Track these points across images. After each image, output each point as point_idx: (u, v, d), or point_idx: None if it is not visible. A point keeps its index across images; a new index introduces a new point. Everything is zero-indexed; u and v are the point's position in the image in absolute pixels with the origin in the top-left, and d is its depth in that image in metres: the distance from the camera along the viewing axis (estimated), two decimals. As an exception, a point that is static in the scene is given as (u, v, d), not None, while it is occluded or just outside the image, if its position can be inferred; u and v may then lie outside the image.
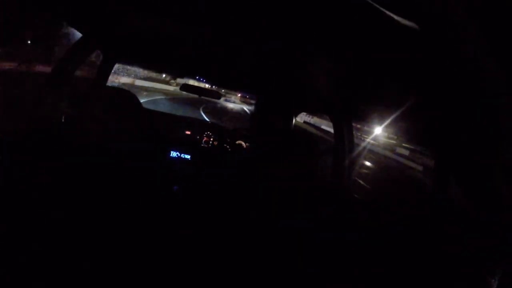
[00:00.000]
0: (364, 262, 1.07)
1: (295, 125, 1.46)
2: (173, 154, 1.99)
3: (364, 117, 1.51)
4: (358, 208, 1.43)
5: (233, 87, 2.13)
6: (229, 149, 2.09)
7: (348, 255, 1.10)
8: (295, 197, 0.94)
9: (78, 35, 1.23)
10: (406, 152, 14.16)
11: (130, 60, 1.72)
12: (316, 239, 0.95)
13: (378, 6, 0.44)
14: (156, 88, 16.26)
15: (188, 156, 2.02)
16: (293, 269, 0.89)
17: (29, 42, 5.86)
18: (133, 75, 14.89)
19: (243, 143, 2.14)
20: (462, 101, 0.67)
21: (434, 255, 1.00)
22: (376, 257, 1.10)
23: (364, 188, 5.76)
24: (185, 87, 2.10)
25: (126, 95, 0.80)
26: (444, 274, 0.93)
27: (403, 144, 15.03)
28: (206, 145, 2.08)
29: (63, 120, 1.36)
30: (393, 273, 1.05)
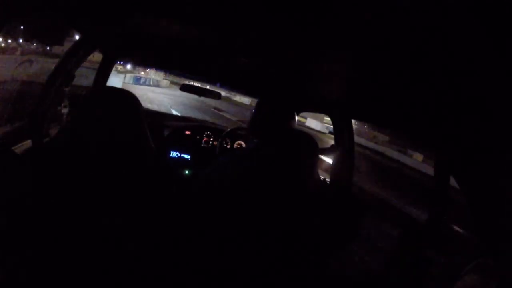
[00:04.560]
0: (364, 261, 1.07)
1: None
2: (173, 154, 1.99)
3: (364, 116, 1.51)
4: (359, 208, 1.43)
5: (235, 88, 2.14)
6: (229, 149, 2.09)
7: (348, 254, 1.10)
8: (296, 197, 0.94)
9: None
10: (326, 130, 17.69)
11: (130, 60, 1.73)
12: (316, 240, 0.95)
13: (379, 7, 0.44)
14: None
15: (188, 156, 2.02)
16: (293, 269, 0.89)
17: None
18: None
19: (243, 143, 2.14)
20: (461, 101, 0.67)
21: (434, 254, 1.00)
22: (375, 257, 1.10)
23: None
24: (185, 87, 2.11)
25: (126, 95, 0.80)
26: (443, 274, 0.94)
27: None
28: (206, 145, 2.08)
29: (63, 120, 1.36)
30: (394, 273, 1.05)
